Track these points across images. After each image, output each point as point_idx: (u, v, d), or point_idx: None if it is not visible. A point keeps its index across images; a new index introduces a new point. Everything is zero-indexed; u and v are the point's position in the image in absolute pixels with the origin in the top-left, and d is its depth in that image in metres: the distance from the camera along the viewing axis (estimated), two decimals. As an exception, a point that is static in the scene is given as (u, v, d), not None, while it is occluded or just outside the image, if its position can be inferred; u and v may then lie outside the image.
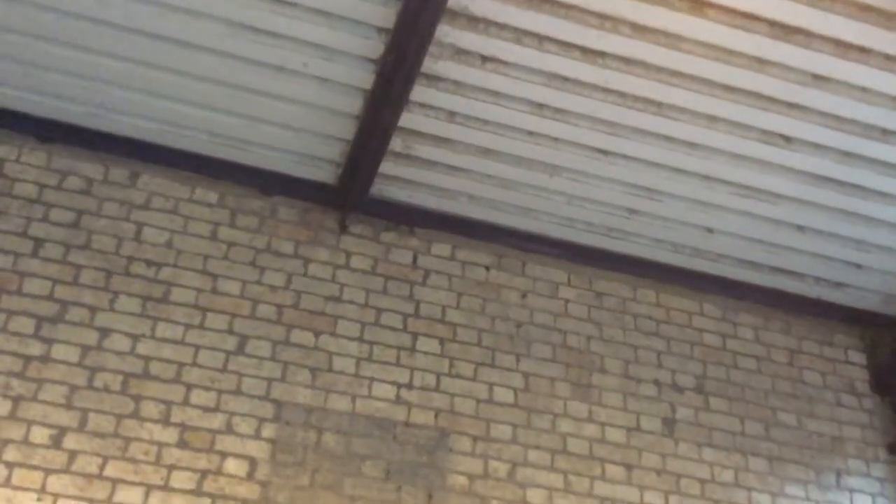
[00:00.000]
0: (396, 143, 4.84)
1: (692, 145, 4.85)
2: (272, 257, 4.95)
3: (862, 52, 4.32)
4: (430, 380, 4.88)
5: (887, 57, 4.34)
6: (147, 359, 4.47)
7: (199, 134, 4.87)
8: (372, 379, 4.78)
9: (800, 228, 5.36)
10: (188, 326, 4.61)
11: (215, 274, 4.80)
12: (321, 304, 4.91)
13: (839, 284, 5.76)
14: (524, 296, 5.33)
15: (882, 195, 5.10)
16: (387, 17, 4.22)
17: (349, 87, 4.58)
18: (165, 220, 4.86)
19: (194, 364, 4.53)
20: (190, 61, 4.48)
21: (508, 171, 5.01)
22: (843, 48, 4.31)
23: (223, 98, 4.66)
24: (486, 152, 4.92)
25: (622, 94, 4.60)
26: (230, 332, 4.67)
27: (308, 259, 5.02)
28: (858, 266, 5.61)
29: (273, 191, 5.10)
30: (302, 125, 4.81)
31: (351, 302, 4.96)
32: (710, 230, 5.39)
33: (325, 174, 5.09)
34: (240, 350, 4.64)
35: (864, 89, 4.51)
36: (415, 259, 5.23)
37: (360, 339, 4.87)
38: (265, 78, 4.55)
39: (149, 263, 4.72)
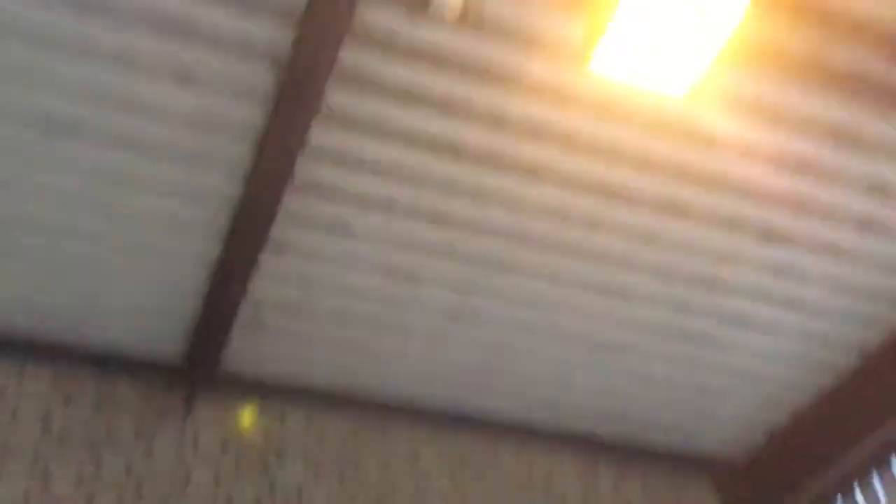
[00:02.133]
0: (245, 314, 4.73)
1: (537, 305, 4.99)
2: (111, 443, 4.59)
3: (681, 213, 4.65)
4: (288, 564, 4.56)
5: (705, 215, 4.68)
6: (-37, 568, 3.96)
7: (28, 316, 4.59)
8: (224, 569, 4.41)
9: (646, 378, 5.53)
10: (13, 527, 4.16)
11: (48, 466, 4.39)
12: (167, 488, 4.55)
13: (688, 433, 5.92)
14: (384, 465, 5.16)
15: (718, 344, 5.37)
16: (231, 187, 4.22)
17: (195, 256, 4.49)
18: (-10, 408, 4.46)
19: (19, 569, 4.04)
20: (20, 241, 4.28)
21: (362, 336, 4.96)
22: (665, 208, 4.63)
23: (59, 278, 4.45)
24: (339, 319, 4.87)
25: (468, 258, 4.72)
26: (62, 529, 4.24)
27: (152, 442, 4.69)
28: (705, 414, 5.80)
29: (112, 372, 4.81)
30: (144, 303, 4.62)
31: (199, 484, 4.64)
32: (565, 386, 5.47)
33: (170, 350, 4.87)
34: (73, 549, 4.20)
35: (688, 246, 4.82)
36: (268, 434, 4.99)
37: (211, 526, 4.53)
38: (108, 255, 4.39)
39: (-31, 458, 4.28)
